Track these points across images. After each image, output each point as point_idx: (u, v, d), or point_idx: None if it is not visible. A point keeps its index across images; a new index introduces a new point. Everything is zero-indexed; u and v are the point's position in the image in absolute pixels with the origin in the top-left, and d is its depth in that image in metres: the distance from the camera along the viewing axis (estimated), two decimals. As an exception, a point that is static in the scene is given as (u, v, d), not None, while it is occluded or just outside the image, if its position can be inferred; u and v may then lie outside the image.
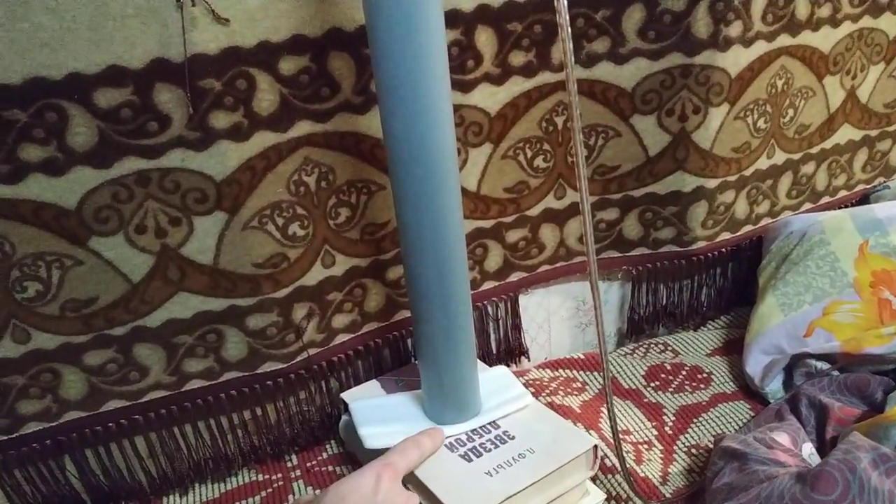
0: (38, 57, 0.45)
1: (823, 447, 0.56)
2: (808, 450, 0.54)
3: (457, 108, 0.61)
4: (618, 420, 0.68)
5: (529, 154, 0.68)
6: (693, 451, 0.63)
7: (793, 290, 0.72)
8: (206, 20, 0.48)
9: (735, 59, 0.68)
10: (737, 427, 0.65)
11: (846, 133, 0.84)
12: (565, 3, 0.44)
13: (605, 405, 0.70)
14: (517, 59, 0.62)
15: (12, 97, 0.46)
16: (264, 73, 0.52)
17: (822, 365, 0.65)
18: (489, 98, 0.63)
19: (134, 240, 0.53)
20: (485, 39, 0.60)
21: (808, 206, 0.86)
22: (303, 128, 0.55)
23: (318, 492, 0.60)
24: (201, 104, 0.50)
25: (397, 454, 0.50)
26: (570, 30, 0.44)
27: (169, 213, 0.53)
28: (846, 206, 0.87)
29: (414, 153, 0.48)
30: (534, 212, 0.71)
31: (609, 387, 0.50)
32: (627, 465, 0.59)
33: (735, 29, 0.66)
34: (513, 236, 0.72)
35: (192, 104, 0.50)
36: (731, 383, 0.72)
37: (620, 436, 0.65)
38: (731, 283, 0.85)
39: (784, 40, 0.71)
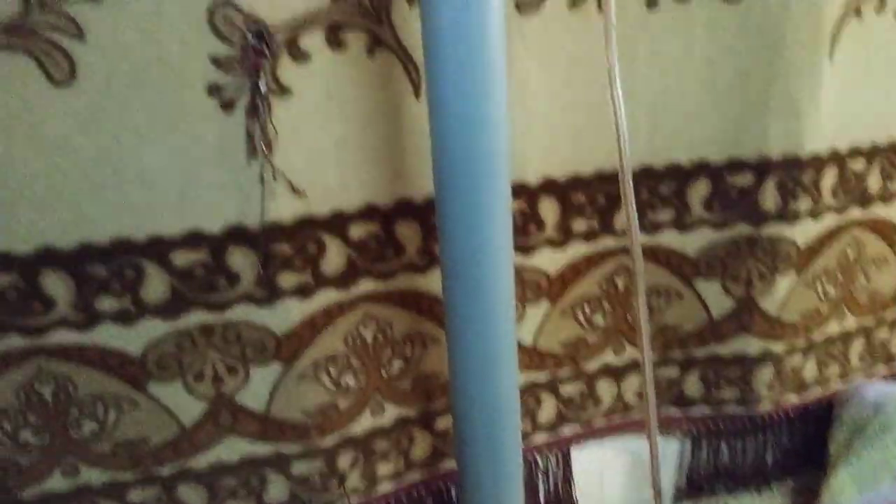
0: (125, 219, 0.48)
1: None
2: None
3: (517, 270, 0.61)
4: None
5: (588, 311, 0.67)
6: None
7: (868, 467, 0.67)
8: (284, 193, 0.50)
9: (804, 232, 0.67)
10: None
11: (923, 297, 0.81)
12: (630, 180, 0.45)
13: (656, 584, 0.66)
14: (579, 225, 0.62)
15: (96, 255, 0.48)
16: (334, 237, 0.53)
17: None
18: (550, 261, 0.63)
19: (191, 386, 0.54)
20: (548, 209, 0.60)
21: (882, 369, 0.82)
22: (366, 286, 0.56)
23: None
24: (271, 266, 0.52)
25: None
26: (634, 206, 0.44)
27: (227, 363, 0.54)
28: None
29: (471, 311, 0.49)
30: (591, 367, 0.70)
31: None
32: None
33: (804, 203, 0.65)
34: (568, 390, 0.70)
35: (262, 266, 0.51)
36: (796, 568, 0.67)
37: None
38: (799, 445, 0.81)
39: (854, 213, 0.70)
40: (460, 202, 0.47)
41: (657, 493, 0.48)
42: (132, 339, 0.52)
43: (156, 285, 0.50)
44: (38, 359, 0.50)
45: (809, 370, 0.76)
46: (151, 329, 0.52)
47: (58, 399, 0.52)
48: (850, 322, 0.76)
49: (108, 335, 0.51)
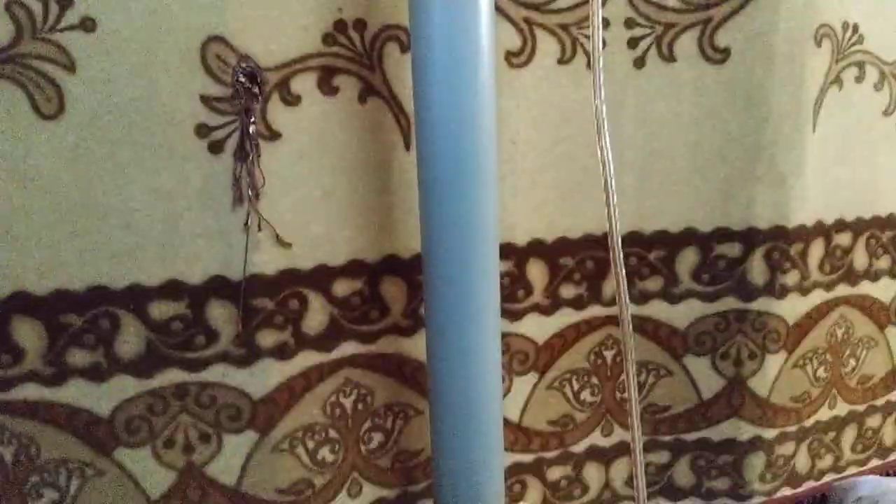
0: (104, 267, 0.47)
1: None
2: None
3: (504, 336, 0.60)
4: None
5: (576, 386, 0.65)
6: None
7: (870, 566, 0.63)
8: (268, 243, 0.49)
9: (792, 308, 0.67)
10: None
11: (914, 385, 0.80)
12: (619, 242, 0.44)
13: None
14: (567, 291, 0.62)
15: (72, 303, 0.47)
16: (318, 293, 0.52)
17: None
18: (537, 328, 0.62)
19: (160, 454, 0.51)
20: (536, 272, 0.60)
21: (875, 461, 0.79)
22: (348, 349, 0.55)
23: None
24: (251, 322, 0.50)
25: None
26: (623, 271, 0.44)
27: (200, 429, 0.51)
28: (921, 466, 0.80)
29: (457, 378, 0.47)
30: (578, 448, 0.67)
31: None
32: None
33: (792, 278, 0.66)
34: (554, 474, 0.67)
35: (242, 322, 0.50)
36: None
37: None
38: (795, 543, 0.77)
39: (843, 290, 0.70)
40: (447, 259, 0.46)
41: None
42: (102, 397, 0.49)
43: (131, 339, 0.49)
44: (2, 416, 0.48)
45: (801, 460, 0.74)
46: (123, 387, 0.49)
47: (18, 462, 0.49)
48: (842, 408, 0.75)
49: (77, 392, 0.49)
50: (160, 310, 0.49)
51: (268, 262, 0.50)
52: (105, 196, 0.45)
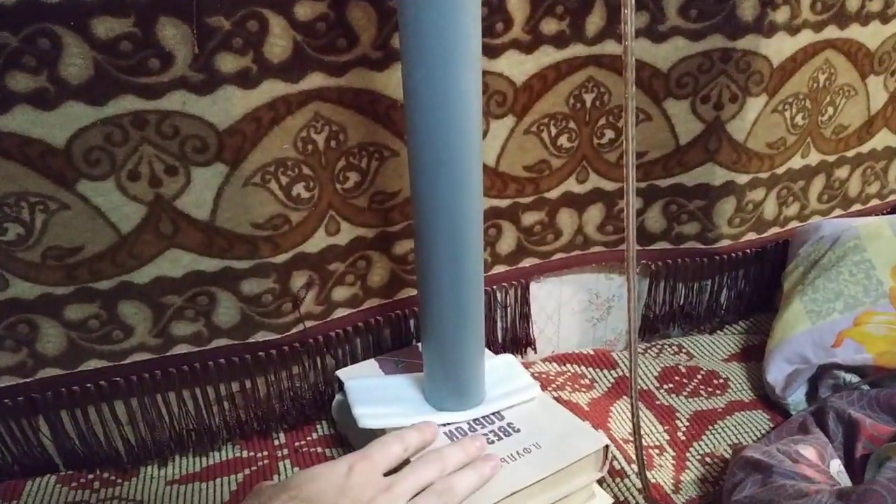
0: (33, -23, 0.41)
1: (852, 465, 0.51)
2: (837, 466, 0.50)
3: (482, 75, 0.57)
4: (627, 422, 0.64)
5: (554, 132, 0.64)
6: (707, 459, 0.59)
7: (822, 297, 0.68)
8: (218, -51, 0.44)
9: (779, 47, 0.64)
10: (755, 438, 0.61)
11: (884, 139, 0.80)
12: None
13: (614, 404, 0.66)
14: (549, 26, 0.58)
15: (2, 18, 0.42)
16: (278, 15, 0.48)
17: (852, 378, 0.61)
18: (516, 66, 0.59)
19: (126, 187, 0.49)
20: (517, 2, 0.56)
21: (838, 211, 0.82)
22: (315, 80, 0.51)
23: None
24: (208, 44, 0.46)
25: (377, 448, 0.45)
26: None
27: (165, 161, 0.49)
28: (877, 216, 0.83)
29: (437, 115, 0.44)
30: (553, 194, 0.67)
31: (635, 389, 0.46)
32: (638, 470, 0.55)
33: (782, 14, 0.62)
34: (529, 219, 0.68)
35: (197, 43, 0.46)
36: (748, 391, 0.68)
37: (629, 438, 0.61)
38: (753, 287, 0.81)
39: (831, 32, 0.67)
40: None
41: (632, 334, 0.46)
42: (53, 126, 0.46)
43: (76, 61, 0.44)
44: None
45: (770, 206, 0.75)
46: (75, 114, 0.46)
47: (-28, 198, 0.47)
48: (814, 157, 0.75)
49: (25, 121, 0.45)
50: (104, 26, 0.44)
51: (219, -27, 0.45)
52: None
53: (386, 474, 0.43)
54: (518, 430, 0.52)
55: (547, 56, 0.59)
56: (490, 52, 0.57)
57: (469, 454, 0.47)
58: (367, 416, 0.53)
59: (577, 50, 0.60)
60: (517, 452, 0.49)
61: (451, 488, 0.43)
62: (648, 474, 0.56)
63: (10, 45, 0.43)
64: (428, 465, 0.44)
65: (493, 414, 0.54)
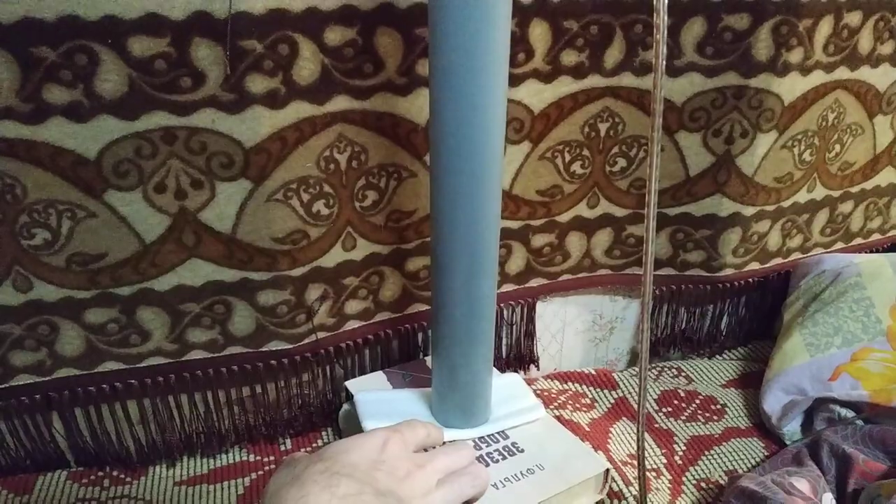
0: (74, -5, 0.43)
1: (843, 500, 0.53)
2: (829, 500, 0.52)
3: (501, 102, 0.59)
4: (626, 443, 0.66)
5: (568, 158, 0.65)
6: (703, 484, 0.61)
7: (821, 331, 0.69)
8: (255, -22, 0.45)
9: (791, 87, 0.65)
10: (749, 465, 0.63)
11: (888, 176, 0.82)
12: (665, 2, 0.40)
13: (614, 425, 0.68)
14: (569, 58, 0.60)
15: (43, 34, 0.43)
16: (309, 40, 0.49)
17: (847, 412, 0.62)
18: (535, 95, 0.60)
19: (152, 198, 0.51)
20: (539, 34, 0.57)
21: (840, 245, 0.84)
22: (341, 103, 0.53)
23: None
24: (239, 65, 0.48)
25: (407, 427, 0.46)
26: (665, 31, 0.40)
27: (191, 175, 0.51)
28: (876, 251, 0.85)
29: (462, 140, 0.46)
30: (563, 218, 0.69)
31: (643, 413, 0.48)
32: (636, 493, 0.56)
33: (795, 55, 0.64)
34: (539, 241, 0.69)
35: (229, 64, 0.47)
36: (745, 419, 0.70)
37: (628, 460, 0.63)
38: (753, 314, 0.83)
39: (842, 73, 0.69)
40: (456, 9, 0.42)
41: (643, 353, 0.47)
42: (86, 138, 0.47)
43: (112, 77, 0.46)
44: (-18, 154, 0.46)
45: (774, 238, 0.77)
46: (107, 128, 0.47)
47: (4, 201, 0.48)
48: (819, 192, 0.77)
49: (59, 132, 0.47)
50: (141, 45, 0.45)
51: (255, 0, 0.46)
52: None
53: None
54: (522, 451, 0.53)
55: (565, 86, 0.61)
56: (511, 80, 0.58)
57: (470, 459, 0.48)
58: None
59: (594, 81, 0.62)
60: (521, 473, 0.51)
61: (480, 475, 0.44)
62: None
63: (48, 59, 0.44)
64: (461, 450, 0.45)
65: (497, 433, 0.56)
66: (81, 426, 0.59)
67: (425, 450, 0.49)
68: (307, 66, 0.50)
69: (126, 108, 0.47)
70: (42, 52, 0.44)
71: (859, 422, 0.61)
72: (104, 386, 0.57)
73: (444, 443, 0.51)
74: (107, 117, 0.47)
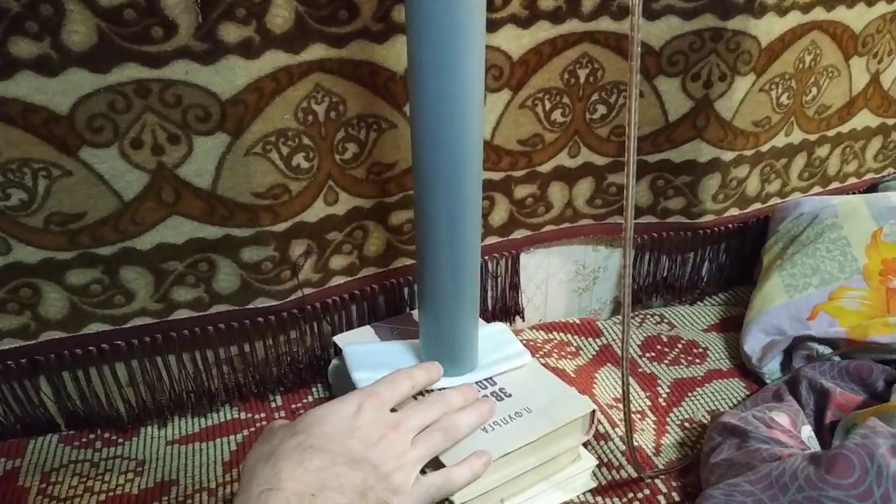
0: (36, -59, 0.41)
1: (822, 431, 0.55)
2: (808, 433, 0.54)
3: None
4: (611, 388, 0.67)
5: (548, 106, 0.65)
6: (686, 424, 0.62)
7: (800, 272, 0.70)
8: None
9: (768, 28, 0.65)
10: (731, 405, 0.64)
11: (864, 119, 0.82)
12: None
13: (598, 371, 0.69)
14: (546, 2, 0.59)
15: (5, -16, 0.42)
16: (281, -14, 0.48)
17: (824, 349, 0.64)
18: (513, 41, 0.59)
19: (128, 154, 0.50)
20: (516, -23, 0.56)
21: (817, 189, 0.85)
22: (316, 51, 0.52)
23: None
24: (211, 13, 0.46)
25: (385, 385, 0.48)
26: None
27: (168, 129, 0.50)
28: (854, 194, 0.86)
29: (441, 88, 0.45)
30: (545, 168, 0.69)
31: (626, 357, 0.48)
32: (622, 434, 0.58)
33: (773, -6, 0.63)
34: (521, 192, 0.69)
35: (201, 12, 0.46)
36: (726, 360, 0.71)
37: (613, 404, 0.64)
38: (733, 260, 0.84)
39: (818, 13, 0.69)
40: None
41: (625, 300, 0.47)
42: (56, 93, 0.46)
43: (79, 28, 0.45)
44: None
45: (753, 183, 0.78)
46: (78, 82, 0.46)
47: (-25, 164, 0.47)
48: (796, 136, 0.78)
49: (28, 87, 0.46)
50: (108, -6, 0.44)
51: (224, -58, 0.45)
52: None
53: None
54: (510, 395, 0.54)
55: (543, 31, 0.60)
56: (488, 26, 0.57)
57: (467, 398, 0.51)
58: (365, 380, 0.54)
59: (572, 26, 0.61)
60: (509, 416, 0.52)
61: (454, 425, 0.46)
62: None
63: (12, 10, 0.43)
64: (433, 404, 0.47)
65: (485, 379, 0.56)
66: (70, 389, 0.59)
67: (422, 394, 0.50)
68: (280, 13, 0.49)
69: (97, 60, 0.46)
70: (5, 3, 0.43)
71: (836, 358, 0.63)
72: (91, 348, 0.57)
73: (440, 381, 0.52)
74: (77, 70, 0.46)
